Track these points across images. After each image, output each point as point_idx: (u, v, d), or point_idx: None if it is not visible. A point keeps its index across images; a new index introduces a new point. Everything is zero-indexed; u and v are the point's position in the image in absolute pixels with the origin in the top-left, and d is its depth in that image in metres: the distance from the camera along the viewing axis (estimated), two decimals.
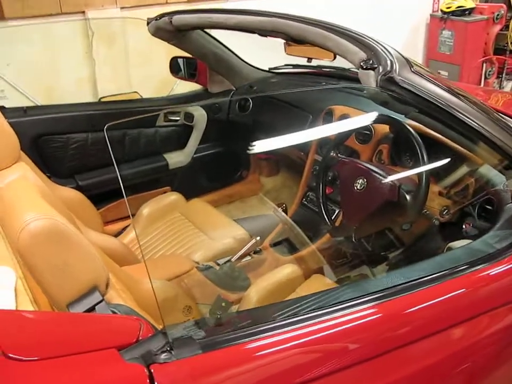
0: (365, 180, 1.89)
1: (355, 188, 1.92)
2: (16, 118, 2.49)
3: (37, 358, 0.90)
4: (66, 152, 2.68)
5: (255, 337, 1.06)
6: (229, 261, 2.22)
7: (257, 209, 3.30)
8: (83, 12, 3.57)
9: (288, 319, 1.12)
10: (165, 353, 0.96)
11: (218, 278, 2.09)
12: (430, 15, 5.73)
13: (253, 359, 1.05)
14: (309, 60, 2.80)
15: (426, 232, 1.99)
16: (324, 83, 2.95)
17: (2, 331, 0.92)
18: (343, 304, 1.17)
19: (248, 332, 1.06)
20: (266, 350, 1.07)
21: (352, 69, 2.73)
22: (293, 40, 1.97)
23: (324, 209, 2.20)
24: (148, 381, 0.91)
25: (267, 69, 3.22)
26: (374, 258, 2.10)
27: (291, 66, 3.20)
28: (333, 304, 1.16)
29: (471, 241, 1.53)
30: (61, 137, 2.65)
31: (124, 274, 1.69)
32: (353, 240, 1.98)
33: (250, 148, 3.28)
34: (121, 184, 1.20)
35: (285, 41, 2.10)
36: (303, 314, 1.14)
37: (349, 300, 1.18)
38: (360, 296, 1.18)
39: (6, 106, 2.58)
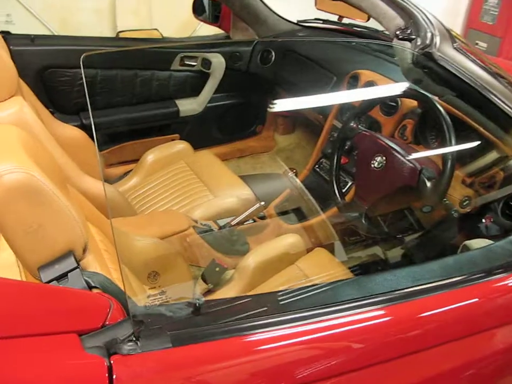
0: (384, 158, 1.75)
1: (372, 165, 1.78)
2: (22, 46, 2.36)
3: None
4: (73, 87, 2.55)
5: (237, 334, 0.94)
6: (229, 223, 2.11)
7: (268, 167, 3.20)
8: None
9: (278, 315, 1.00)
10: (130, 343, 0.85)
11: (215, 240, 2.00)
12: None
13: (229, 358, 0.94)
14: (340, 17, 2.63)
15: (443, 221, 1.85)
16: (354, 43, 2.77)
17: None
18: (344, 304, 1.05)
19: (228, 328, 0.94)
20: (252, 348, 0.95)
21: (385, 31, 2.56)
22: None
23: (336, 182, 2.06)
24: (106, 374, 0.80)
25: (295, 21, 3.03)
26: (385, 240, 1.97)
27: (321, 21, 3.01)
28: (333, 304, 1.04)
29: (490, 242, 1.39)
30: (68, 71, 2.51)
31: (113, 229, 1.59)
32: (363, 220, 1.85)
33: (267, 102, 3.16)
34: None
35: None
36: (297, 312, 1.02)
37: (353, 300, 1.06)
38: (365, 297, 1.06)
39: (13, 32, 2.43)
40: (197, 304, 0.97)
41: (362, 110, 2.08)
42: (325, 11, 2.43)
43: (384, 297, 1.08)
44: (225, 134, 3.11)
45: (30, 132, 1.69)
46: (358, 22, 2.50)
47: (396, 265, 1.92)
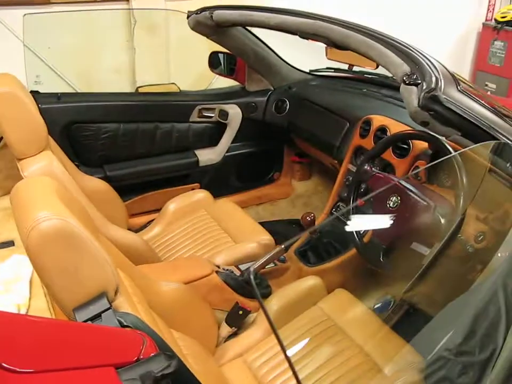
0: (399, 198, 1.80)
1: (388, 205, 1.83)
2: (49, 104, 2.48)
3: (32, 371, 0.84)
4: (97, 141, 2.65)
5: None
6: (251, 267, 2.16)
7: (286, 213, 3.25)
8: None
9: None
10: (165, 380, 0.90)
11: (238, 284, 2.03)
12: (483, 23, 5.48)
13: None
14: (350, 66, 2.73)
15: (458, 257, 1.88)
16: (365, 90, 2.87)
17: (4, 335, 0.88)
18: None
19: None
20: None
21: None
22: (335, 46, 1.89)
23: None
24: None
25: (307, 71, 3.14)
26: (403, 277, 2.00)
27: (332, 70, 3.12)
28: None
29: None
30: (92, 126, 2.62)
31: (139, 274, 1.65)
32: (381, 259, 1.89)
33: (283, 150, 3.25)
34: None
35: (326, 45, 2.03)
36: None
37: None
38: None
39: (41, 91, 2.56)
40: None
41: (375, 153, 2.14)
42: (336, 60, 2.53)
43: None
44: (243, 182, 3.18)
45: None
46: (368, 69, 2.59)
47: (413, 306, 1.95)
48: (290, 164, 3.33)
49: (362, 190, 2.18)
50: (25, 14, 2.55)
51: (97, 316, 1.11)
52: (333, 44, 1.87)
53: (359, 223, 2.22)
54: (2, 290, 1.70)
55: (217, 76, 3.30)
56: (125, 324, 1.10)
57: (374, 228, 2.04)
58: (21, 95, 1.78)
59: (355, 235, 2.12)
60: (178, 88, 3.14)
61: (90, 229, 1.25)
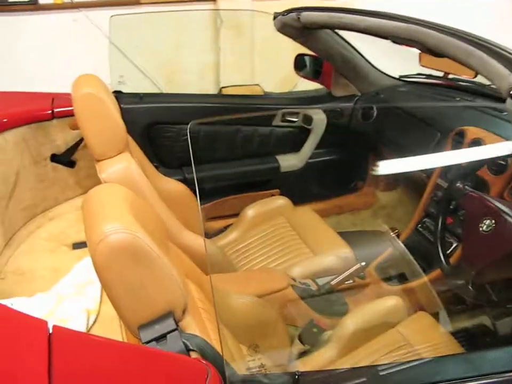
0: (493, 221, 1.65)
1: (481, 228, 1.68)
2: (131, 104, 2.48)
3: None
4: (177, 142, 2.64)
5: None
6: (328, 282, 2.07)
7: (368, 224, 3.13)
8: (214, 0, 3.52)
9: None
10: None
11: (314, 299, 1.96)
12: None
13: None
14: (446, 74, 2.57)
15: None
16: (458, 98, 2.69)
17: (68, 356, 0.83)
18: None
19: None
20: None
21: (492, 85, 2.47)
22: (429, 52, 1.75)
23: (441, 244, 1.97)
24: None
25: (397, 76, 3.00)
26: (494, 309, 1.85)
27: (424, 76, 2.96)
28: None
29: None
30: (173, 127, 2.61)
31: (211, 286, 1.59)
32: (470, 287, 1.75)
33: (368, 159, 3.12)
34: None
35: (420, 51, 1.89)
36: None
37: (461, 379, 0.98)
38: (474, 377, 0.98)
39: (124, 91, 2.57)
40: (296, 376, 0.94)
41: (469, 170, 1.99)
42: (429, 67, 2.39)
43: (497, 379, 0.99)
44: (325, 190, 3.09)
45: (135, 188, 1.77)
46: (464, 77, 2.43)
47: (507, 339, 1.79)
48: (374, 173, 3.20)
49: (452, 207, 2.04)
50: (112, 16, 2.56)
51: (163, 337, 1.06)
52: (428, 50, 1.74)
53: (446, 243, 2.08)
54: (75, 293, 1.70)
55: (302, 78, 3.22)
56: (191, 347, 1.05)
57: (464, 251, 1.89)
58: (103, 97, 1.77)
59: (441, 256, 1.98)
60: (263, 89, 3.10)
61: (160, 240, 1.20)
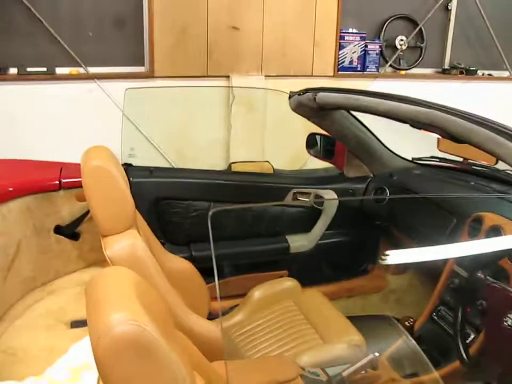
0: None
1: (506, 323, 1.59)
2: (141, 178, 2.45)
3: None
4: (185, 219, 2.59)
5: None
6: (340, 374, 1.95)
7: (378, 309, 3.02)
8: (227, 76, 3.57)
9: None
10: None
11: None
12: None
13: None
14: (465, 159, 2.53)
15: None
16: (473, 183, 2.64)
17: None
18: None
19: None
20: None
21: (508, 171, 2.41)
22: (451, 138, 1.71)
23: (461, 338, 1.86)
24: None
25: (410, 159, 2.97)
26: None
27: (437, 159, 2.92)
28: None
29: None
30: (182, 202, 2.57)
31: (217, 376, 1.49)
32: None
33: (380, 241, 3.05)
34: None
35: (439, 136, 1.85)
36: None
37: None
38: None
39: (134, 164, 2.54)
40: None
41: (489, 260, 1.91)
42: (448, 153, 2.35)
43: None
44: (334, 272, 3.01)
45: (141, 266, 1.70)
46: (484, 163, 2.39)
47: None
48: None
49: (469, 296, 1.95)
50: (127, 88, 2.57)
51: None
52: (450, 136, 1.70)
53: (465, 335, 1.97)
54: (69, 379, 1.58)
55: (312, 157, 3.21)
56: None
57: (487, 346, 1.78)
58: (112, 170, 1.73)
59: (461, 348, 1.87)
60: (272, 166, 3.07)
61: (168, 330, 1.11)
